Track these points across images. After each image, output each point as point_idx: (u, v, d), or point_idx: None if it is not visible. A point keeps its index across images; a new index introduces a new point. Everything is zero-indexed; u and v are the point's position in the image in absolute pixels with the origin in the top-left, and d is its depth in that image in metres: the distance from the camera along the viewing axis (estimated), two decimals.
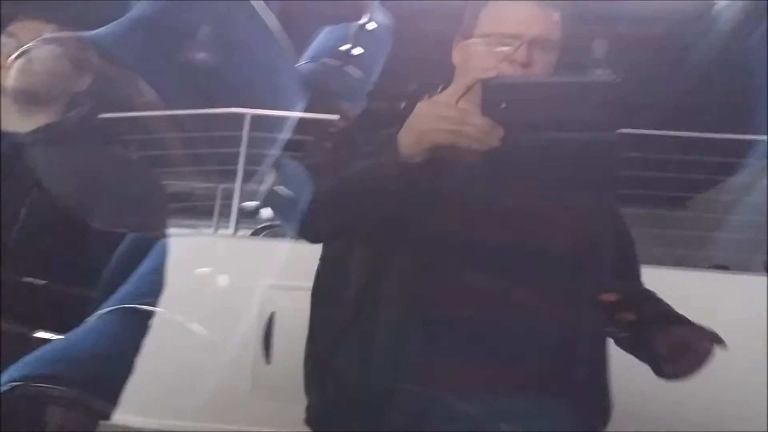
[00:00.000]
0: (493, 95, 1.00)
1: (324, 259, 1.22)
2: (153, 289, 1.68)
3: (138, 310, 1.66)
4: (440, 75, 2.45)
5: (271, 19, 1.93)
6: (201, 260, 1.72)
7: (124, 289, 1.69)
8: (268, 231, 2.01)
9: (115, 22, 1.75)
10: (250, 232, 1.95)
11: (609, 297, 1.11)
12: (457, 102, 1.01)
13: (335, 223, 1.12)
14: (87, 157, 1.56)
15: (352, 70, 2.05)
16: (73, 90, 1.60)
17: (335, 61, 2.05)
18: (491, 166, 1.06)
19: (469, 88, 1.01)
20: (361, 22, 2.06)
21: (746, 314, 1.73)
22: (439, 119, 1.01)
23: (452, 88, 1.05)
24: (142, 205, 1.77)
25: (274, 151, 1.94)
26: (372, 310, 1.11)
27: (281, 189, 2.24)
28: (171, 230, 1.95)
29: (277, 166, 2.16)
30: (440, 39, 2.42)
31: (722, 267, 2.42)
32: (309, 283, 1.80)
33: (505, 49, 1.11)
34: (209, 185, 1.90)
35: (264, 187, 2.12)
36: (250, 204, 1.89)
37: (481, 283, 1.10)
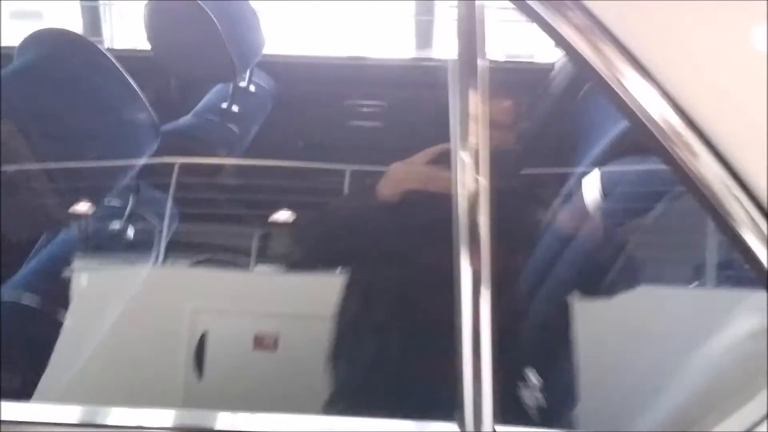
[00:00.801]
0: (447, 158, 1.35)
1: (342, 289, 1.51)
2: (31, 284, 1.89)
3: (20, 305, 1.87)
4: (322, 134, 2.61)
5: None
6: (136, 289, 1.95)
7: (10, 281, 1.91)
8: (206, 261, 2.13)
9: None
10: (188, 263, 2.07)
11: None
12: (426, 162, 1.34)
13: (329, 252, 1.45)
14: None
15: (231, 125, 2.26)
16: None
17: (215, 117, 2.28)
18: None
19: (434, 154, 1.33)
20: (242, 83, 2.29)
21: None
22: (412, 173, 1.34)
23: (421, 153, 1.36)
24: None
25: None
26: (365, 321, 1.43)
27: (142, 211, 2.49)
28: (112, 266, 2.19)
29: (135, 192, 2.40)
30: (325, 100, 2.59)
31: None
32: (236, 307, 2.04)
33: None
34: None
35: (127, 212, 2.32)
36: (115, 227, 2.06)
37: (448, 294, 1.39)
